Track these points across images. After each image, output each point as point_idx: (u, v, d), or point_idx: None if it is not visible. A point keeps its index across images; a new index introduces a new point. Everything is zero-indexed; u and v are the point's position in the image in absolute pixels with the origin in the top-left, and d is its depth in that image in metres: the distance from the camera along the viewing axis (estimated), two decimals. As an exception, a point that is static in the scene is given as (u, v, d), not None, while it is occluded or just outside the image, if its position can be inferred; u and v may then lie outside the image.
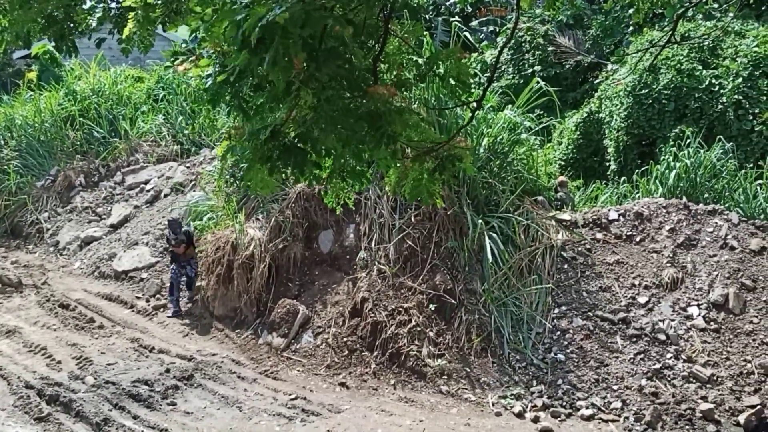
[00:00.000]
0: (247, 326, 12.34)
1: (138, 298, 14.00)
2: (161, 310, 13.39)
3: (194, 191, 16.01)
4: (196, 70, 4.50)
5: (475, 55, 20.41)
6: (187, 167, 17.72)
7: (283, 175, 4.49)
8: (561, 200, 13.30)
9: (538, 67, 20.22)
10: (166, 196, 17.11)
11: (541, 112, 17.31)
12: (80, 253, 16.56)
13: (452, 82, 4.95)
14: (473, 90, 12.58)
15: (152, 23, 4.57)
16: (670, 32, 10.51)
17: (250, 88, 3.93)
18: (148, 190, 17.64)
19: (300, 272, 12.55)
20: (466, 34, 20.48)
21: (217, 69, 4.11)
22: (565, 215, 12.50)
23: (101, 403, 9.45)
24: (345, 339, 11.18)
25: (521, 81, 19.93)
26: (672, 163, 13.95)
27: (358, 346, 11.08)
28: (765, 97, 15.04)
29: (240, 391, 10.18)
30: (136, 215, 16.92)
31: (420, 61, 4.93)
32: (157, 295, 13.95)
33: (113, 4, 5.56)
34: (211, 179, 15.32)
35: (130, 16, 4.61)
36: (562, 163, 18.01)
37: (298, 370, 10.89)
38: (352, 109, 4.12)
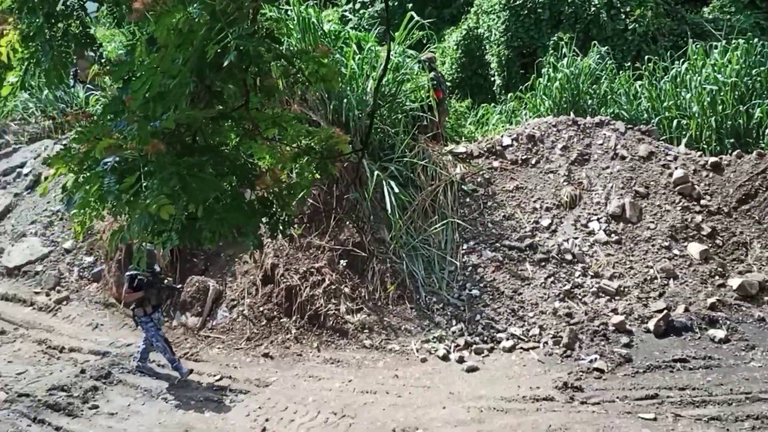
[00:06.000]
0: (158, 309, 11.99)
1: (36, 293, 13.32)
2: (64, 303, 12.82)
3: (76, 170, 15.16)
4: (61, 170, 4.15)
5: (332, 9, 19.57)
6: (64, 145, 16.71)
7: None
8: (436, 80, 13.10)
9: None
10: (46, 179, 16.16)
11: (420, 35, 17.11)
12: (-36, 253, 15.58)
13: (320, 76, 4.71)
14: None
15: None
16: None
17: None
18: (26, 174, 16.60)
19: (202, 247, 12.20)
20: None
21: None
22: (461, 147, 12.53)
23: (18, 420, 9.04)
24: (261, 308, 11.04)
25: (395, 3, 19.60)
26: (553, 74, 14.12)
27: (275, 313, 10.97)
28: (635, -5, 15.29)
29: (162, 381, 9.94)
30: (18, 203, 15.93)
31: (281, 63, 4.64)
32: (57, 287, 13.32)
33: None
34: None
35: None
36: (449, 84, 17.96)
37: (219, 348, 10.72)
38: (245, 203, 3.93)
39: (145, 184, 3.43)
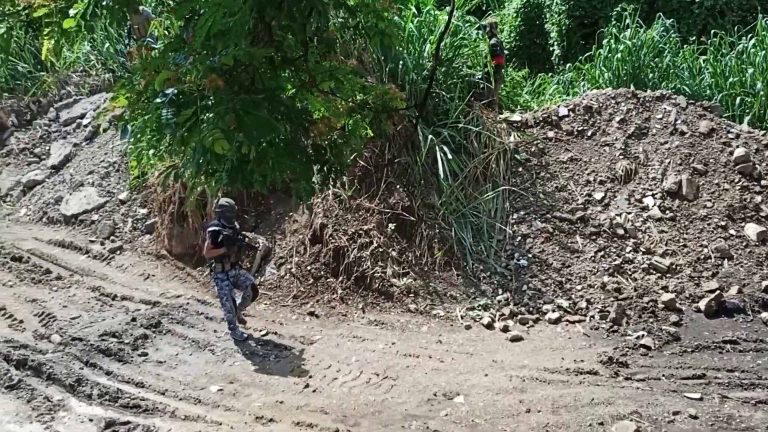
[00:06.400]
0: (208, 263, 12.16)
1: (92, 241, 13.67)
2: (117, 252, 13.13)
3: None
4: (121, 101, 4.18)
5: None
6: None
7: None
8: (498, 46, 12.95)
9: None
10: (105, 130, 16.46)
11: (480, 1, 16.91)
12: (24, 199, 16.02)
13: (379, 30, 4.65)
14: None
15: (69, 36, 4.21)
16: None
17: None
18: (86, 125, 16.95)
19: (255, 203, 12.32)
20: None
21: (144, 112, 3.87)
22: (516, 116, 12.38)
23: (71, 363, 9.29)
24: (308, 267, 11.14)
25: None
26: (615, 46, 13.85)
27: (322, 273, 11.06)
28: (705, -33, 14.84)
29: (210, 333, 10.13)
30: (77, 153, 16.32)
31: (341, 14, 4.60)
32: (111, 237, 13.64)
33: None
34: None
35: (44, 32, 4.24)
36: (506, 52, 17.72)
37: (266, 304, 10.85)
38: (299, 149, 3.93)
39: (201, 117, 3.45)
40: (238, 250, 9.68)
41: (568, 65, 15.94)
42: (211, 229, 9.47)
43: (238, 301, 10.08)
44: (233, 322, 9.87)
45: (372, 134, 5.04)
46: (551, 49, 17.98)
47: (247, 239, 10.18)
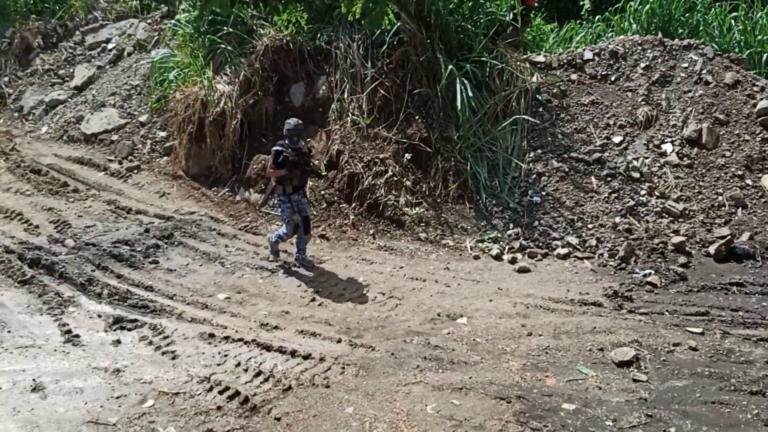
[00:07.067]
0: (223, 184, 12.29)
1: (110, 160, 13.82)
2: (135, 171, 13.27)
3: (158, 48, 15.46)
4: None
5: None
6: (149, 23, 17.04)
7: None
8: None
9: None
10: (129, 54, 16.54)
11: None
12: (46, 118, 16.17)
13: None
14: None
15: None
16: None
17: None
18: (110, 50, 17.02)
19: (273, 127, 12.36)
20: None
21: None
22: (540, 57, 12.27)
23: (84, 265, 9.46)
24: (322, 192, 11.21)
25: None
26: (645, -2, 13.68)
27: (335, 198, 11.13)
28: None
29: (221, 247, 10.26)
30: (100, 76, 16.40)
31: None
32: (130, 157, 13.78)
33: None
34: (176, 35, 14.76)
35: None
36: (536, 3, 17.47)
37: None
38: None
39: None
40: (301, 174, 9.36)
41: (597, 17, 15.73)
42: (274, 148, 9.24)
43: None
44: (280, 240, 9.61)
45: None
46: (581, 3, 17.73)
47: (312, 164, 9.89)
